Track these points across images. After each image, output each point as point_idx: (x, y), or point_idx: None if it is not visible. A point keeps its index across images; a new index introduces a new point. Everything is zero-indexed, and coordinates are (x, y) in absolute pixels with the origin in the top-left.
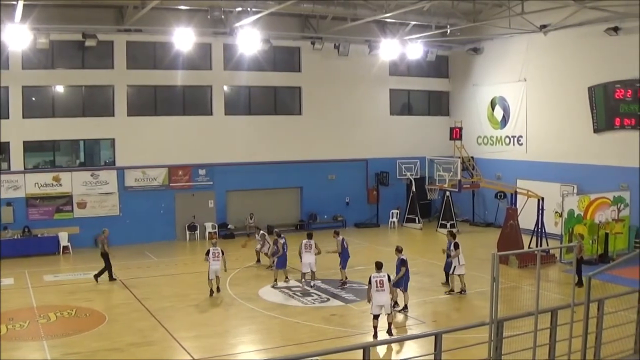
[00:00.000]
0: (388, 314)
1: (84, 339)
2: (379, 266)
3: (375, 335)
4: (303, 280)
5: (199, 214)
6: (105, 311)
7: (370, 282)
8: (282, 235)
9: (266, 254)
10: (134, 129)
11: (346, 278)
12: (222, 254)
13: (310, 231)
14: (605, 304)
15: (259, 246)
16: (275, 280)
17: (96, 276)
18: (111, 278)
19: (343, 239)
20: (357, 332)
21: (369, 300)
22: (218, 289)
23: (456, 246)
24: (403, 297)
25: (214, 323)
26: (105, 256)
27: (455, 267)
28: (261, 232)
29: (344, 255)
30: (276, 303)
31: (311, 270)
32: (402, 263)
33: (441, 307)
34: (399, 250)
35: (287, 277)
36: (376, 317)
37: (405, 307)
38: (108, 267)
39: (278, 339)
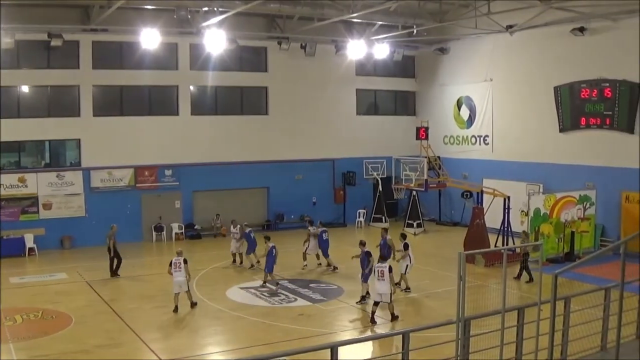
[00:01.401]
0: (388, 303)
1: (51, 341)
2: (383, 257)
3: (372, 320)
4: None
5: (166, 215)
6: (72, 313)
7: (373, 271)
8: (270, 238)
9: (242, 253)
10: (99, 129)
11: (332, 267)
12: (185, 263)
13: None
14: (572, 302)
15: (236, 245)
16: (264, 282)
17: (114, 272)
18: (114, 273)
19: (322, 232)
20: (325, 332)
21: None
22: (193, 304)
23: (406, 247)
24: (365, 287)
25: (181, 324)
26: (113, 251)
27: (407, 266)
28: (239, 225)
29: (323, 245)
30: (243, 303)
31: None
32: (368, 255)
33: (408, 306)
34: (362, 244)
35: (277, 282)
36: (376, 303)
37: (364, 297)
38: (112, 261)
39: (246, 339)
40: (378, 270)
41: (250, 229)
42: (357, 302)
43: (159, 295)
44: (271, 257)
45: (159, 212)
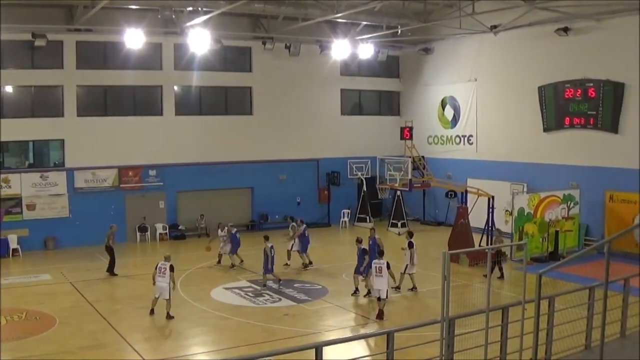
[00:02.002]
0: (383, 299)
1: (35, 343)
2: (380, 254)
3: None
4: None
5: (150, 215)
6: (56, 314)
7: (371, 268)
8: (269, 238)
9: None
10: (83, 129)
11: (307, 263)
12: (172, 270)
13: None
14: (556, 301)
15: (222, 246)
16: (264, 284)
17: (110, 271)
18: (112, 273)
19: (305, 228)
20: (310, 332)
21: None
22: (168, 315)
23: (410, 245)
24: (364, 283)
25: (165, 325)
26: (110, 250)
27: (407, 265)
28: (226, 227)
29: (304, 241)
30: (228, 304)
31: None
32: (364, 252)
33: (393, 305)
34: (359, 241)
35: (279, 279)
36: (378, 299)
37: (357, 290)
38: (112, 261)
39: (230, 339)
40: (376, 267)
41: (236, 229)
42: (351, 294)
43: (143, 296)
44: (271, 257)
45: (143, 213)
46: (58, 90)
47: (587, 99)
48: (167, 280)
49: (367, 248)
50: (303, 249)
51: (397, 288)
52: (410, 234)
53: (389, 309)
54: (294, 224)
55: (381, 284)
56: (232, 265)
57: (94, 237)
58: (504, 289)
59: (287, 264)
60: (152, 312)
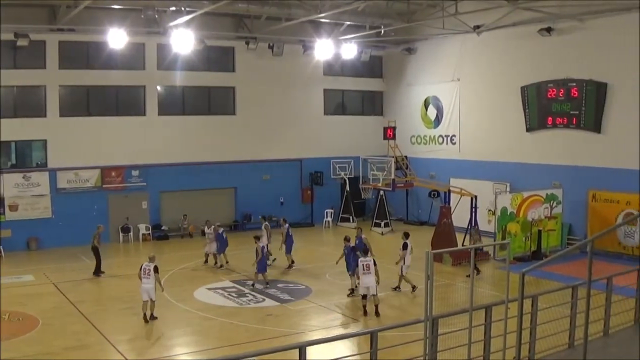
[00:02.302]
0: (374, 295)
1: (18, 344)
2: (365, 252)
3: (365, 313)
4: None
5: (133, 216)
6: (39, 315)
7: (358, 266)
8: (260, 238)
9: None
10: (66, 129)
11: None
12: (156, 271)
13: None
14: (539, 300)
15: (208, 247)
16: (253, 284)
17: (96, 273)
18: (98, 273)
19: (289, 227)
20: (293, 332)
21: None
22: (152, 316)
23: (405, 246)
24: (353, 280)
25: (148, 325)
26: (95, 250)
27: (402, 267)
28: (213, 226)
29: (288, 241)
30: (211, 304)
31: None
32: (353, 250)
33: (373, 305)
34: (347, 239)
35: (267, 282)
36: (364, 297)
37: (353, 290)
38: (98, 262)
39: (213, 340)
40: (363, 265)
41: (222, 229)
42: (347, 295)
43: (126, 297)
44: (263, 257)
45: (126, 213)
46: (40, 90)
47: (570, 99)
48: (152, 282)
49: (355, 246)
50: (287, 249)
51: (397, 288)
52: (406, 235)
53: (373, 308)
54: (266, 223)
55: (369, 281)
56: (220, 265)
57: (77, 237)
58: (487, 288)
59: (274, 259)
60: (145, 318)
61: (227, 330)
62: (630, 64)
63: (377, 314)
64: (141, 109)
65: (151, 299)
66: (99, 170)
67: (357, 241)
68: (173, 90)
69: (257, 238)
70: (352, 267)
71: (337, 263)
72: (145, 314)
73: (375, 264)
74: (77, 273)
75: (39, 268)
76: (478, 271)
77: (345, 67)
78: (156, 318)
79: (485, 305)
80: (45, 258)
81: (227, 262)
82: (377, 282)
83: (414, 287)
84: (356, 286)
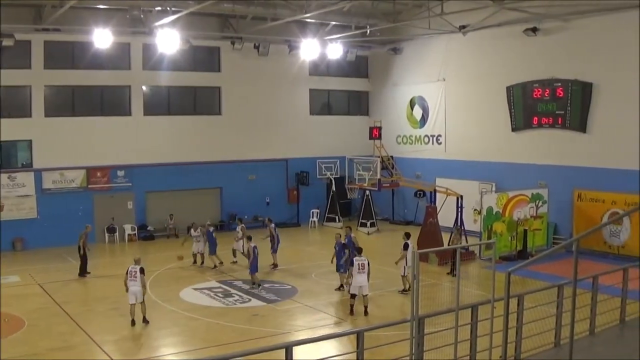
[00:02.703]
0: (364, 295)
1: (3, 345)
2: (359, 251)
3: (351, 312)
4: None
5: (118, 216)
6: (25, 316)
7: (352, 264)
8: (252, 238)
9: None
10: (51, 130)
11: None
12: (142, 272)
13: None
14: (525, 299)
15: (195, 246)
16: (258, 284)
17: (81, 274)
18: (84, 274)
19: (275, 227)
20: (280, 332)
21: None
22: (145, 320)
23: (405, 247)
24: (343, 278)
25: (134, 325)
26: (80, 250)
27: (404, 267)
28: (199, 228)
29: (272, 240)
30: (197, 304)
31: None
32: (344, 247)
33: (362, 305)
34: (338, 236)
35: (258, 284)
36: (353, 296)
37: (342, 286)
38: (83, 260)
39: (200, 340)
40: (358, 264)
41: (212, 227)
42: (335, 289)
43: (111, 297)
44: (255, 258)
45: (111, 213)
46: (26, 90)
47: (556, 99)
48: (139, 284)
49: (346, 243)
50: (273, 249)
51: (404, 291)
52: (407, 235)
53: (358, 308)
54: (243, 225)
55: (363, 280)
56: (214, 266)
57: (62, 238)
58: (473, 288)
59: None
60: (133, 323)
61: (214, 330)
62: (616, 64)
63: (365, 313)
64: (127, 109)
65: (140, 302)
66: (85, 171)
67: (346, 240)
68: (159, 90)
69: (249, 238)
70: (342, 266)
71: (332, 262)
72: (133, 319)
73: (369, 264)
74: (63, 274)
75: (25, 269)
76: (453, 273)
77: (331, 67)
78: (148, 322)
79: (472, 305)
80: (31, 259)
81: (220, 263)
82: (401, 289)
83: (408, 289)
84: (346, 284)
